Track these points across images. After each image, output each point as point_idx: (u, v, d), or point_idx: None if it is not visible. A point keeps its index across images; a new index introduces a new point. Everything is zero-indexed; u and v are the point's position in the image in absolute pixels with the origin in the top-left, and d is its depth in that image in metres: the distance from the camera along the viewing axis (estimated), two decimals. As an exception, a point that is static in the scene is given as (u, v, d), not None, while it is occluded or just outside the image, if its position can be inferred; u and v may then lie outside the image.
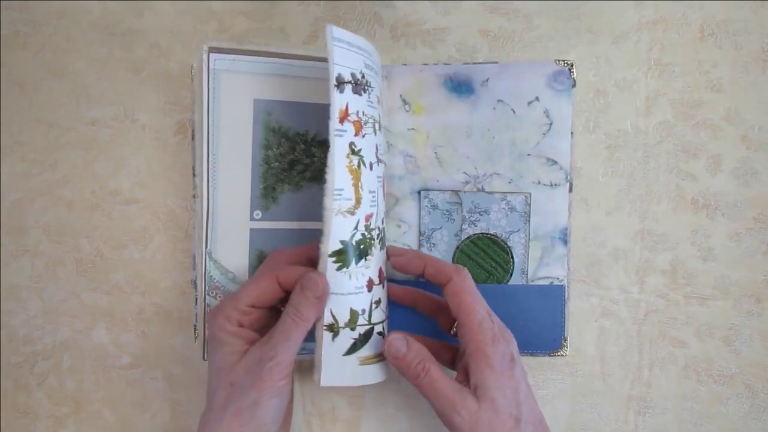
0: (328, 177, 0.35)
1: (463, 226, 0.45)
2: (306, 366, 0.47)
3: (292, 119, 0.43)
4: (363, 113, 0.37)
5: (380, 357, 0.39)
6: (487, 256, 0.44)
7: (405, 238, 0.45)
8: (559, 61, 0.43)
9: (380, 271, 0.39)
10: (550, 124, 0.44)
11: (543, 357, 0.45)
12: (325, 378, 0.37)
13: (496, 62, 0.45)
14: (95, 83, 0.47)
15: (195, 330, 0.45)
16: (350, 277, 0.36)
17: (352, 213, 0.36)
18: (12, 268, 0.47)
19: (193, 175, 0.43)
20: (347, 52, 0.36)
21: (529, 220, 0.44)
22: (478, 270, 0.44)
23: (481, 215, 0.44)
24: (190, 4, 0.47)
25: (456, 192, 0.45)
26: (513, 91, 0.44)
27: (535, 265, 0.44)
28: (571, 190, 0.44)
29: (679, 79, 0.47)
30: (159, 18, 0.47)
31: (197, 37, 0.47)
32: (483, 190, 0.44)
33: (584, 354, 0.47)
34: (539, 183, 0.44)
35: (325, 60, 0.35)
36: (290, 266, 0.38)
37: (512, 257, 0.44)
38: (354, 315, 0.37)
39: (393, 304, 0.42)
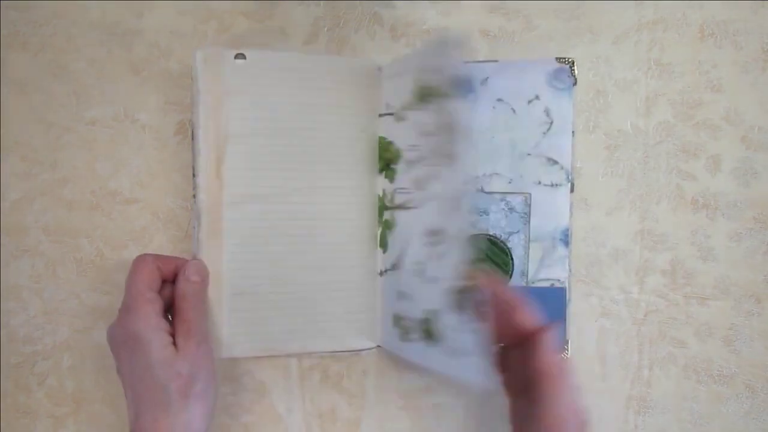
0: None
1: (463, 226, 0.45)
2: (306, 366, 0.47)
3: None
4: None
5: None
6: (487, 258, 0.44)
7: (405, 238, 0.45)
8: (560, 58, 0.43)
9: None
10: (551, 123, 0.43)
11: (543, 357, 0.45)
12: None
13: (496, 60, 0.45)
14: (95, 83, 0.47)
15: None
16: None
17: None
18: (12, 268, 0.47)
19: (193, 175, 0.43)
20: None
21: (528, 221, 0.44)
22: (478, 270, 0.44)
23: (480, 216, 0.44)
24: (190, 4, 0.47)
25: (456, 192, 0.45)
26: (513, 89, 0.44)
27: (536, 266, 0.44)
28: (572, 190, 0.44)
29: (679, 79, 0.47)
30: (159, 18, 0.47)
31: (197, 37, 0.47)
32: (482, 190, 0.44)
33: (584, 354, 0.47)
34: (539, 183, 0.44)
35: None
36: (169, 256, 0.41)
37: (512, 258, 0.44)
38: None
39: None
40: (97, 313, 0.47)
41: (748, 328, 0.47)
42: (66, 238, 0.47)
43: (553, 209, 0.44)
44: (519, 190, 0.44)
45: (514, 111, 0.44)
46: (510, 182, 0.44)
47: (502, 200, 0.44)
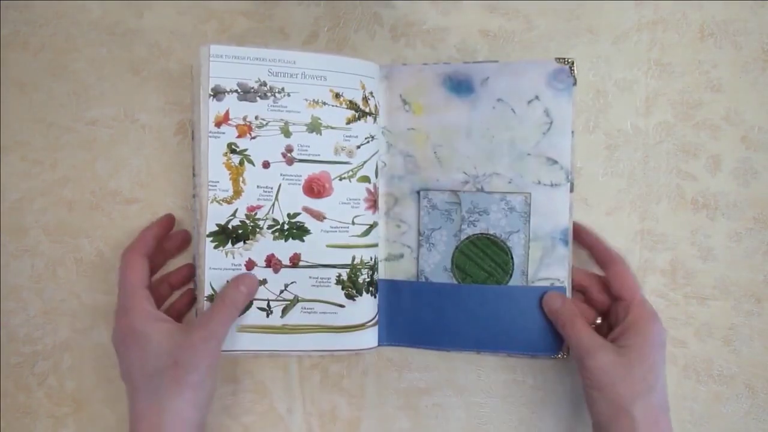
0: (200, 171, 0.41)
1: (463, 227, 0.45)
2: (306, 366, 0.47)
3: None
4: (258, 117, 0.42)
5: (258, 328, 0.42)
6: (487, 257, 0.44)
7: (404, 238, 0.45)
8: (559, 59, 0.43)
9: (271, 256, 0.42)
10: (551, 123, 0.43)
11: (543, 359, 0.45)
12: None
13: (496, 61, 0.45)
14: (95, 83, 0.47)
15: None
16: (227, 255, 0.42)
17: (229, 202, 0.42)
18: (12, 268, 0.47)
19: (193, 175, 0.43)
20: (231, 65, 0.41)
21: (528, 221, 0.44)
22: (477, 271, 0.44)
23: (480, 215, 0.44)
24: (190, 4, 0.47)
25: (455, 192, 0.45)
26: (513, 90, 0.44)
27: (536, 266, 0.44)
28: (572, 190, 0.44)
29: (679, 79, 0.47)
30: (159, 18, 0.47)
31: (197, 37, 0.47)
32: (482, 190, 0.44)
33: (584, 354, 0.47)
34: (539, 183, 0.44)
35: None
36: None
37: (512, 258, 0.44)
38: None
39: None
40: (97, 313, 0.47)
41: (748, 328, 0.47)
42: (66, 238, 0.47)
43: (553, 209, 0.44)
44: (519, 190, 0.44)
45: (514, 111, 0.44)
46: (510, 182, 0.44)
47: (502, 200, 0.44)
